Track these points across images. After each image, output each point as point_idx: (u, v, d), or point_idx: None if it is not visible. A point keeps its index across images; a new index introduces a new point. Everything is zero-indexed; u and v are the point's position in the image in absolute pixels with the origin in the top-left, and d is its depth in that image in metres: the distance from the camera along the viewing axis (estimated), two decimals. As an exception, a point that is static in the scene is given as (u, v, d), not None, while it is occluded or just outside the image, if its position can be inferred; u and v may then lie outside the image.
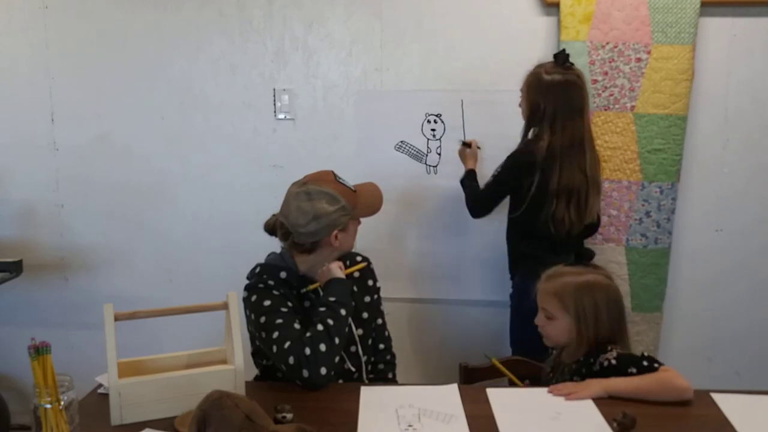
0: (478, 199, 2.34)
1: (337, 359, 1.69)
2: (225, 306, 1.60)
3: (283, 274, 1.78)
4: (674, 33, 2.46)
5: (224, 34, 2.67)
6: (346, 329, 1.73)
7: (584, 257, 2.34)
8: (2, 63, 2.74)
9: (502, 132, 2.48)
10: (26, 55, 2.73)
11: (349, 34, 2.63)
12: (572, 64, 2.23)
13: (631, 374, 1.57)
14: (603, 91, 2.51)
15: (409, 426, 1.43)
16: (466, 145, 2.51)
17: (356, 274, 1.90)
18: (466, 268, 2.71)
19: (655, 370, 1.56)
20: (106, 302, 1.53)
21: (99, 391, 1.63)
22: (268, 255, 1.89)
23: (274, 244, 1.90)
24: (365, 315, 1.89)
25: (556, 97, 2.17)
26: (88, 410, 1.49)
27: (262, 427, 1.17)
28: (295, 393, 1.62)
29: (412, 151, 2.66)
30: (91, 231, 2.83)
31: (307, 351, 1.61)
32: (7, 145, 2.79)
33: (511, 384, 1.86)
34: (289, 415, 1.42)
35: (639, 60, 2.48)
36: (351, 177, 1.88)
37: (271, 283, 1.75)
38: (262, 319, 1.69)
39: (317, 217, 1.74)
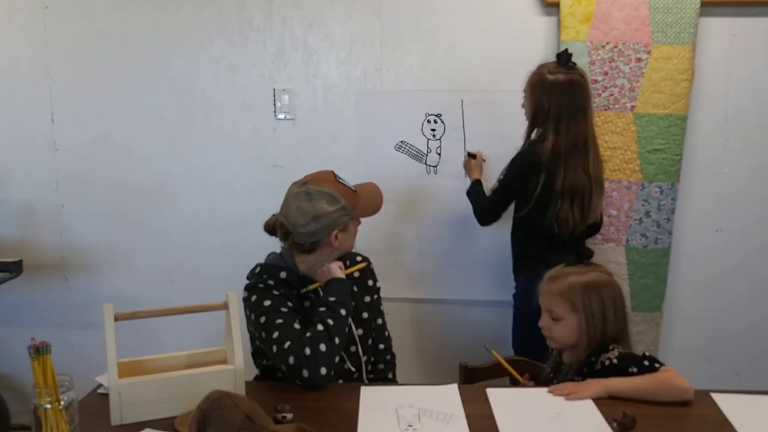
0: (486, 206, 2.32)
1: (337, 359, 1.69)
2: (225, 306, 1.61)
3: (283, 274, 1.78)
4: (674, 33, 2.46)
5: (224, 34, 2.67)
6: (346, 329, 1.73)
7: (584, 256, 2.34)
8: (2, 63, 2.75)
9: (502, 132, 2.48)
10: (26, 55, 2.73)
11: (349, 34, 2.63)
12: (575, 63, 2.22)
13: (632, 374, 1.57)
14: (603, 91, 2.51)
15: (409, 426, 1.43)
16: (472, 156, 2.50)
17: (356, 274, 1.90)
18: (466, 268, 2.71)
19: (656, 370, 1.56)
20: (106, 302, 1.53)
21: (99, 391, 1.63)
22: (268, 255, 1.89)
23: (274, 244, 1.90)
24: (365, 315, 1.89)
25: (560, 97, 2.16)
26: (88, 410, 1.49)
27: (262, 427, 1.17)
28: (295, 393, 1.62)
29: (412, 151, 2.66)
30: (91, 231, 2.83)
31: (307, 351, 1.62)
32: (7, 145, 2.79)
33: (512, 380, 1.86)
34: (289, 415, 1.42)
35: (639, 60, 2.48)
36: (351, 177, 1.88)
37: (271, 283, 1.75)
38: (262, 319, 1.69)
39: (317, 217, 1.74)
